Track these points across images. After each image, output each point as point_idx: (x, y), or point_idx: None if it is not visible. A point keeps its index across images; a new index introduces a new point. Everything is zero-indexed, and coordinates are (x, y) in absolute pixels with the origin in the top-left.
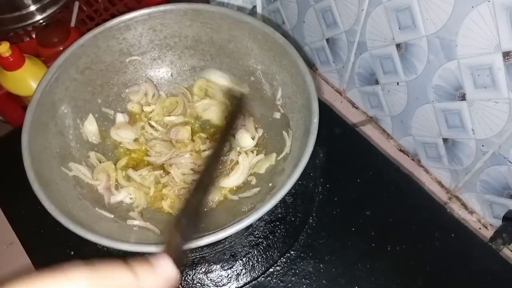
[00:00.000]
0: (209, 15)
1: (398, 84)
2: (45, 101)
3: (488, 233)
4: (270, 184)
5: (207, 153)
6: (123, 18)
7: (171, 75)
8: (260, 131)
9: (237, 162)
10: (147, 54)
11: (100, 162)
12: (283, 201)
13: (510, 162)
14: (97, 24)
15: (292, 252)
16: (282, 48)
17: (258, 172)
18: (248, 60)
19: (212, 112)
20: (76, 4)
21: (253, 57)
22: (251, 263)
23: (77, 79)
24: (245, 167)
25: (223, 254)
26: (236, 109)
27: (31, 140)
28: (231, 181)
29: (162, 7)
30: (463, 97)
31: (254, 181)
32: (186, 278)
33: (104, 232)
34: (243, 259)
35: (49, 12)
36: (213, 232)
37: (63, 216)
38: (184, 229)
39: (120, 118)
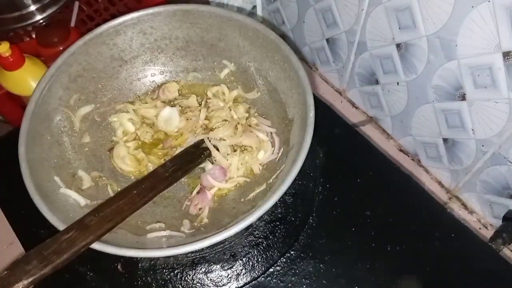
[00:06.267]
0: (198, 15)
1: (398, 84)
2: (40, 112)
3: (488, 233)
4: (270, 181)
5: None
6: (112, 24)
7: (164, 78)
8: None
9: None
10: (139, 58)
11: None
12: (283, 201)
13: (510, 162)
14: (97, 24)
15: (292, 252)
16: (274, 44)
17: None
18: (240, 57)
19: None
20: (76, 4)
21: (245, 54)
22: (251, 263)
23: (70, 87)
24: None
25: (223, 254)
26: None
27: (28, 151)
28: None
29: (150, 10)
30: (463, 97)
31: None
32: (186, 278)
33: (108, 238)
34: (243, 259)
35: (49, 12)
36: (216, 232)
37: (65, 226)
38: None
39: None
